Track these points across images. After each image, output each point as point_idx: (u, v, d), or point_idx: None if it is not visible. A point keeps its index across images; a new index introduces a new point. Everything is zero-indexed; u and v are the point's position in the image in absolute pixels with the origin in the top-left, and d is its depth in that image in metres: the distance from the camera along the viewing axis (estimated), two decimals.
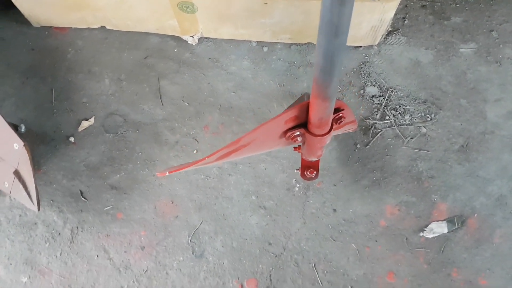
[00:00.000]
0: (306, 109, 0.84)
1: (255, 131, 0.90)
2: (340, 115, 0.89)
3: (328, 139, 0.90)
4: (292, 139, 0.91)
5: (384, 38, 1.46)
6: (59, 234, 1.35)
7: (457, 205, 1.31)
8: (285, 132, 0.90)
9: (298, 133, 0.90)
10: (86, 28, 1.51)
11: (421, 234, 1.29)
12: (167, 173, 1.04)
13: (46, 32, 1.53)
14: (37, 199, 1.21)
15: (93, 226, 1.35)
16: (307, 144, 0.96)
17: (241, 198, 1.35)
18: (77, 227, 1.35)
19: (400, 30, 1.49)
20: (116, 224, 1.35)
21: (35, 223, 1.36)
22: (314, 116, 0.81)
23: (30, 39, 1.52)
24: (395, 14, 1.49)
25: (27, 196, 1.23)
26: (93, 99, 1.46)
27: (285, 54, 1.48)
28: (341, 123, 0.90)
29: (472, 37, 1.48)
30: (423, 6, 1.52)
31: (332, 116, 0.85)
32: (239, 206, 1.35)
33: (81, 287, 1.30)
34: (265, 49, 1.49)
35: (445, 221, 1.30)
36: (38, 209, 1.22)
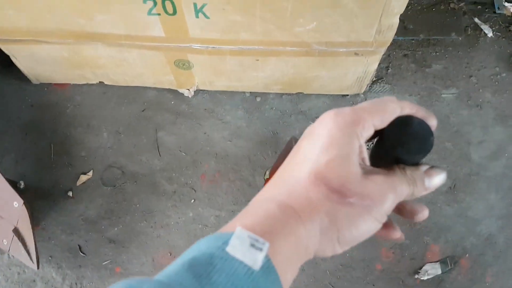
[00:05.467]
0: None
1: None
2: None
3: None
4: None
5: (369, 86, 1.54)
6: None
7: (448, 246, 1.36)
8: None
9: None
10: (85, 84, 1.57)
11: (416, 276, 1.32)
12: None
13: (46, 89, 1.58)
14: (36, 257, 1.22)
15: (91, 281, 1.35)
16: None
17: None
18: (75, 283, 1.35)
19: (384, 79, 1.57)
20: (114, 279, 1.35)
21: (34, 280, 1.36)
22: None
23: (30, 95, 1.57)
24: (379, 63, 1.58)
25: (26, 254, 1.23)
26: (92, 152, 1.49)
27: (277, 103, 1.55)
28: None
29: (452, 82, 1.57)
30: (405, 55, 1.62)
31: None
32: None
33: None
34: (258, 99, 1.56)
35: (439, 262, 1.33)
36: (38, 267, 1.22)
